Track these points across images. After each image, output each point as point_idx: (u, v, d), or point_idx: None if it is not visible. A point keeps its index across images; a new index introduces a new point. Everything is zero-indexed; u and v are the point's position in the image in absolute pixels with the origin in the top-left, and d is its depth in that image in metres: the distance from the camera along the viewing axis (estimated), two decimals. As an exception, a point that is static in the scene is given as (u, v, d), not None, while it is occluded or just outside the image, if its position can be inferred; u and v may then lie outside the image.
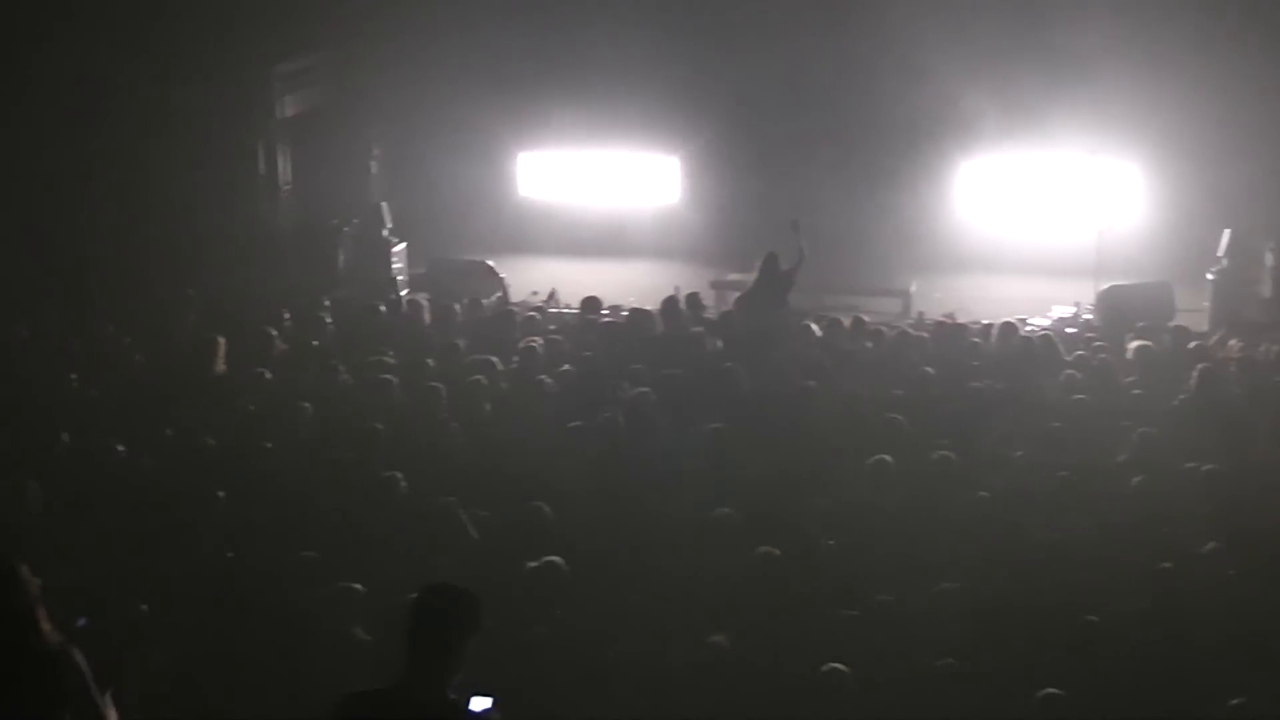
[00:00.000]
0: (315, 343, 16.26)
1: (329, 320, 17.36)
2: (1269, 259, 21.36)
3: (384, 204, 22.61)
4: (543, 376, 14.61)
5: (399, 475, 11.51)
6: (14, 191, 17.82)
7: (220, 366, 14.87)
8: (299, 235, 21.93)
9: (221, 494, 11.20)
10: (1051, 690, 8.58)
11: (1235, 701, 8.65)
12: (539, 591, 9.68)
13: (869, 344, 16.59)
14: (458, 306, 17.95)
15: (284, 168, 21.69)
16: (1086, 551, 10.74)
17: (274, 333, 16.00)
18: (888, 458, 12.13)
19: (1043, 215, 23.71)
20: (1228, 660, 9.34)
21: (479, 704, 6.25)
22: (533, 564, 9.81)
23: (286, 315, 17.08)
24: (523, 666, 8.68)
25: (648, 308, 17.31)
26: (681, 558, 10.52)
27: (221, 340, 15.08)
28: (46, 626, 6.73)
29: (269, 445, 12.61)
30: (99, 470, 11.86)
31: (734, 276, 21.07)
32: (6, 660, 6.59)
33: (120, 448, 12.08)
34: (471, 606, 6.10)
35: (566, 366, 15.09)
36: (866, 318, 17.66)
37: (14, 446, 12.24)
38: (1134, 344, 16.08)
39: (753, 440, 12.88)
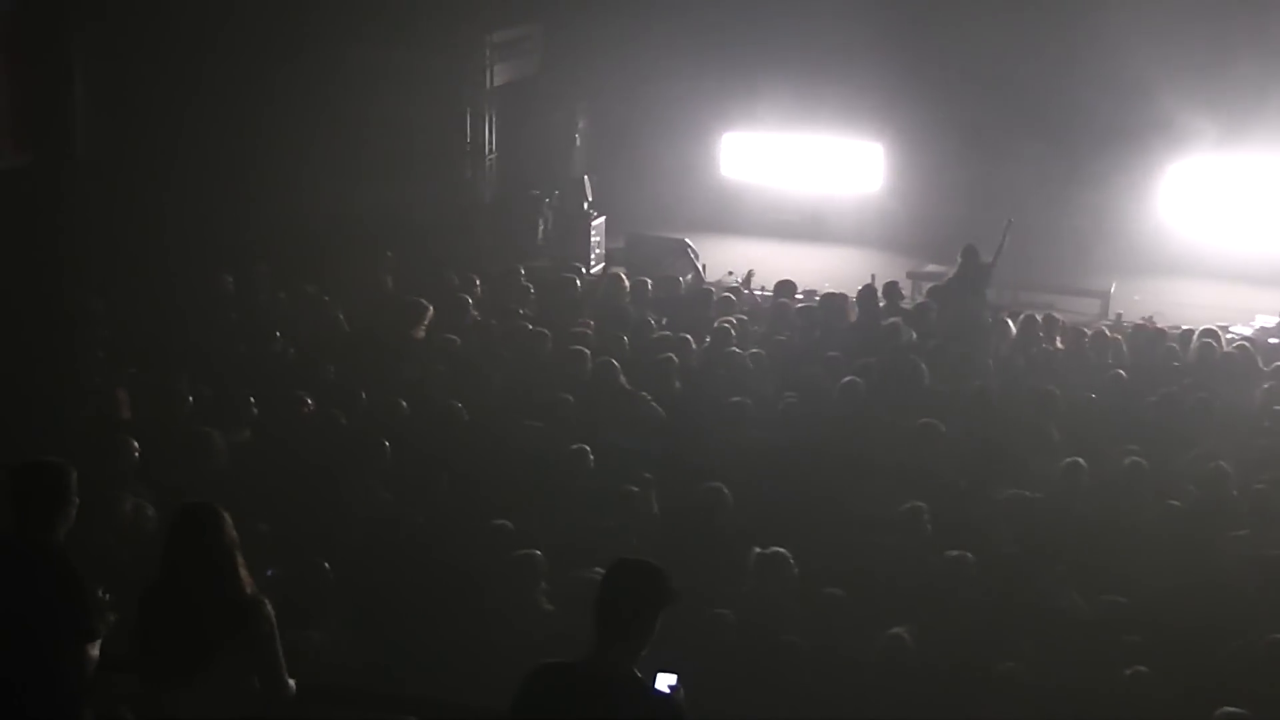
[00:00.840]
0: (521, 310, 16.36)
1: (532, 290, 17.47)
2: None
3: (586, 177, 22.72)
4: (735, 348, 14.62)
5: (588, 448, 11.59)
6: (231, 147, 18.16)
7: (421, 333, 15.07)
8: (501, 204, 22.14)
9: (387, 444, 11.37)
10: (1231, 709, 8.40)
11: None
12: (762, 581, 9.67)
13: (1061, 343, 16.37)
14: (649, 282, 17.97)
15: (490, 136, 21.89)
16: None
17: (470, 300, 16.20)
18: (1081, 460, 11.98)
19: (1252, 220, 23.12)
20: None
21: (664, 681, 6.26)
22: (759, 550, 9.78)
23: (478, 282, 17.17)
24: (704, 647, 8.70)
25: (844, 293, 17.26)
26: (866, 549, 10.48)
27: (430, 308, 15.29)
28: (244, 574, 6.86)
29: (460, 406, 12.69)
30: (292, 426, 12.12)
31: (931, 267, 20.92)
32: (206, 604, 6.74)
33: (310, 402, 12.33)
34: (661, 582, 6.05)
35: (755, 350, 15.05)
36: (1059, 316, 17.45)
37: (214, 398, 12.52)
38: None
39: (942, 436, 12.76)
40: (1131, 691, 8.75)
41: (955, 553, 10.11)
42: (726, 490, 10.90)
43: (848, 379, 13.78)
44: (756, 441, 12.62)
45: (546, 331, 15.04)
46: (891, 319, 16.40)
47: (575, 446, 11.62)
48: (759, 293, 19.21)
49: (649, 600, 6.01)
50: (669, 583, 6.07)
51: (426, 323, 15.15)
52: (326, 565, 9.40)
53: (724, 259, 21.57)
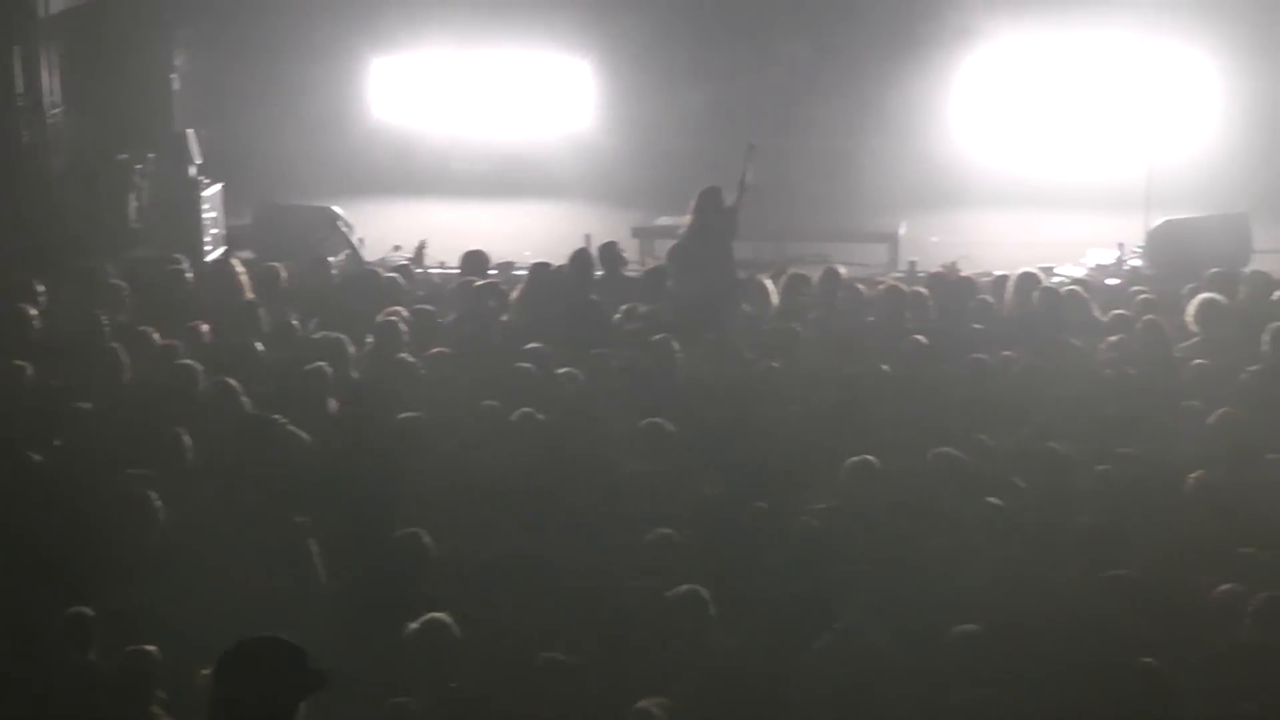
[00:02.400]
0: (106, 320, 16.09)
1: (124, 287, 17.19)
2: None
3: (190, 132, 22.42)
4: (405, 355, 14.65)
5: (152, 495, 11.63)
6: None
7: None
8: (75, 175, 21.74)
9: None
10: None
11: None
12: (419, 660, 9.71)
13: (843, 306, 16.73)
14: (284, 272, 17.94)
15: (51, 84, 21.45)
16: (1132, 576, 10.82)
17: (32, 311, 15.99)
18: (871, 458, 12.23)
19: (1074, 128, 23.77)
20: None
21: None
22: (414, 625, 9.79)
23: (41, 289, 16.84)
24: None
25: (551, 263, 17.41)
26: (605, 596, 10.60)
27: None
28: None
29: (37, 458, 12.55)
30: None
31: (664, 220, 21.03)
32: None
33: None
34: (297, 665, 6.05)
35: (439, 349, 15.09)
36: (843, 270, 17.81)
37: None
38: (1196, 300, 15.98)
39: (695, 437, 12.97)
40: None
41: (683, 588, 10.24)
42: (427, 538, 10.97)
43: (563, 371, 13.95)
44: (451, 470, 12.71)
45: (117, 347, 14.87)
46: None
47: (139, 492, 11.65)
48: (437, 271, 19.20)
49: (280, 690, 6.01)
50: (308, 665, 6.07)
51: None
52: None
53: (389, 230, 21.54)
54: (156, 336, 15.29)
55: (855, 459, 12.23)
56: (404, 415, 13.42)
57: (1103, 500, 11.99)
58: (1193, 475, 12.14)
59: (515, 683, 9.63)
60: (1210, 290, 16.57)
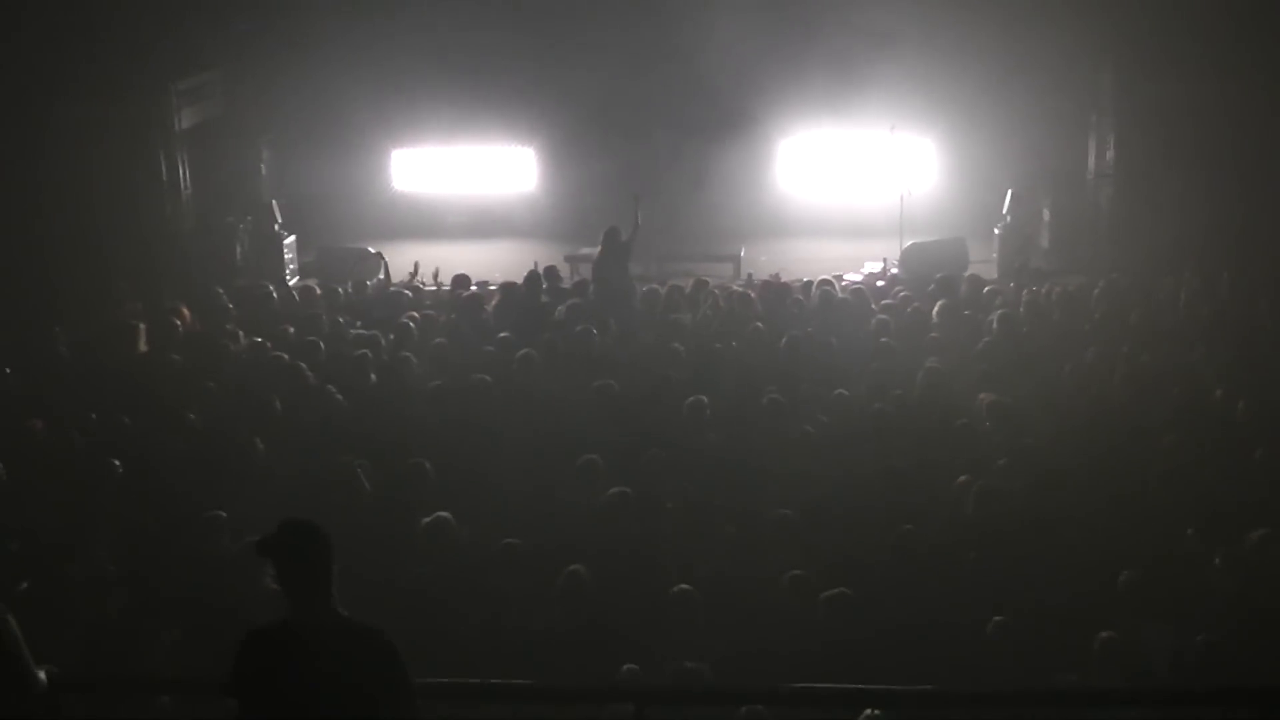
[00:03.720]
0: (228, 326, 15.99)
1: (231, 306, 17.13)
2: (1046, 214, 21.93)
3: (274, 201, 22.35)
4: (408, 354, 14.48)
5: (258, 440, 11.72)
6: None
7: (142, 347, 14.83)
8: (199, 233, 21.61)
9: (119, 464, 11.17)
10: (839, 591, 8.77)
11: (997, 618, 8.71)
12: (430, 543, 9.69)
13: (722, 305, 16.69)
14: (341, 290, 17.93)
15: (184, 174, 21.28)
16: (901, 467, 10.96)
17: (178, 321, 15.89)
18: (704, 398, 12.31)
19: (853, 184, 23.90)
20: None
21: None
22: (426, 519, 9.79)
23: (184, 307, 16.63)
24: (412, 603, 8.77)
25: (513, 281, 17.45)
26: (549, 499, 10.58)
27: (142, 325, 15.04)
28: None
29: (191, 417, 12.53)
30: (31, 450, 11.76)
31: (585, 251, 20.94)
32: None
33: (39, 425, 12.00)
34: (309, 532, 6.02)
35: (439, 340, 15.04)
36: (711, 281, 17.90)
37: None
38: (938, 304, 16.05)
39: (614, 393, 12.93)
40: (797, 590, 9.02)
41: (616, 490, 10.30)
42: (429, 465, 10.94)
43: (522, 353, 13.92)
44: (451, 420, 12.57)
45: (230, 344, 14.99)
46: (560, 298, 16.66)
47: (242, 440, 11.75)
48: (430, 287, 19.10)
49: (308, 549, 5.98)
50: (315, 529, 6.03)
51: (143, 338, 14.97)
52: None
53: (404, 261, 21.39)
54: (256, 337, 15.26)
55: (692, 398, 12.35)
56: (417, 385, 13.47)
57: (877, 426, 12.05)
58: (950, 415, 12.27)
59: (486, 560, 9.66)
60: (941, 287, 16.79)
